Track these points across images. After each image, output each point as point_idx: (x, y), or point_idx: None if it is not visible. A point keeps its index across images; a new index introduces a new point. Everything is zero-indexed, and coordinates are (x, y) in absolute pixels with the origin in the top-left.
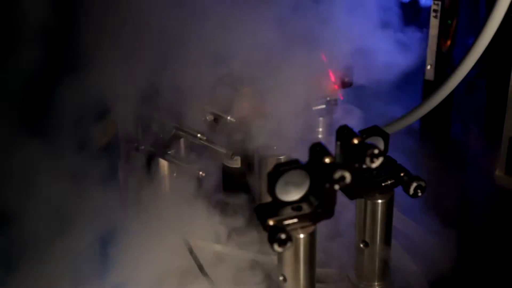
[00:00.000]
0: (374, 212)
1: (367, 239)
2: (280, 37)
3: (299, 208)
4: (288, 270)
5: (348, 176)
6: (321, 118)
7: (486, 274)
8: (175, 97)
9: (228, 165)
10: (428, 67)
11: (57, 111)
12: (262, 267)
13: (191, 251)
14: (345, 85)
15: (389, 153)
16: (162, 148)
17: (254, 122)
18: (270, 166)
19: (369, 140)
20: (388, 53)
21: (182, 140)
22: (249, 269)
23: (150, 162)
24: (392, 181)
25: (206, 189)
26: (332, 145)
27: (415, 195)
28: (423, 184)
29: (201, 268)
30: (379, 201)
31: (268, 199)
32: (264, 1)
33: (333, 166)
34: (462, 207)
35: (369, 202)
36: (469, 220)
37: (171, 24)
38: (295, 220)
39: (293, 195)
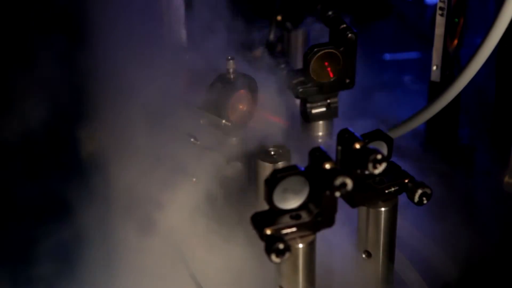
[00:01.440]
0: (377, 220)
1: (369, 249)
2: None
3: (298, 217)
4: (286, 282)
5: (349, 183)
6: (321, 122)
7: (494, 284)
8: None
9: (224, 171)
10: (434, 67)
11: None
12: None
13: (183, 259)
14: (346, 86)
15: (393, 159)
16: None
17: (250, 126)
18: (267, 172)
19: (372, 145)
20: None
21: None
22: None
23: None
24: (396, 188)
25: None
26: (332, 150)
27: (420, 202)
28: (428, 191)
29: (193, 277)
30: (382, 209)
31: (265, 206)
32: None
33: (334, 172)
34: (469, 215)
35: (371, 210)
36: (477, 229)
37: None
38: (293, 229)
39: (292, 203)
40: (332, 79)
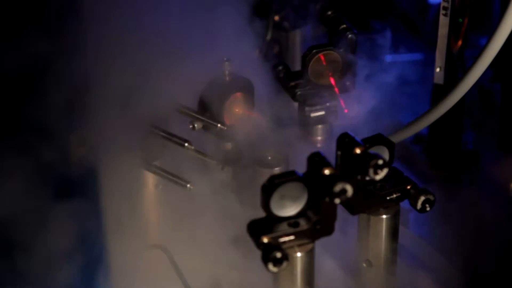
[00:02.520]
0: (378, 228)
1: (370, 258)
2: None
3: (296, 224)
4: None
5: (349, 189)
6: (320, 126)
7: None
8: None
9: (218, 177)
10: (437, 69)
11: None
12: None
13: (176, 269)
14: (346, 89)
15: (394, 164)
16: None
17: (246, 130)
18: (264, 178)
19: (373, 150)
20: None
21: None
22: None
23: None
24: (398, 194)
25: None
26: (332, 155)
27: (423, 209)
28: (431, 197)
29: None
30: (384, 216)
31: (262, 214)
32: None
33: (333, 178)
34: (474, 222)
35: (372, 217)
36: (482, 237)
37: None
38: (291, 237)
39: (290, 210)
40: (331, 82)
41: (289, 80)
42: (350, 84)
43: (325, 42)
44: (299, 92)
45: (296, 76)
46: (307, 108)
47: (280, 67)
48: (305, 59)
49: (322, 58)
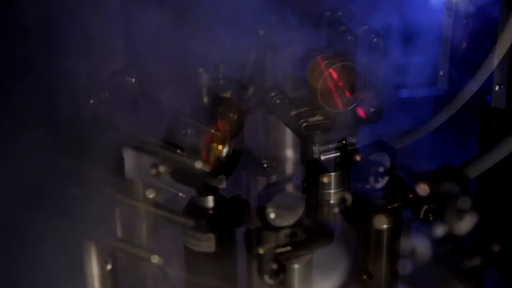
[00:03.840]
0: (378, 239)
1: (370, 270)
2: None
3: (293, 235)
4: None
5: (349, 198)
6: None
7: None
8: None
9: (212, 185)
10: (441, 73)
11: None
12: None
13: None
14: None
15: (396, 171)
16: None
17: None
18: (260, 186)
19: (373, 157)
20: None
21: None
22: None
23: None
24: (400, 203)
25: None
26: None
27: (426, 219)
28: (434, 206)
29: None
30: (385, 226)
31: (258, 224)
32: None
33: (332, 187)
34: (480, 230)
35: (373, 227)
36: (488, 245)
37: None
38: (288, 248)
39: (287, 220)
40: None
41: (289, 109)
42: (375, 110)
43: (326, 48)
44: (305, 124)
45: (298, 102)
46: (315, 148)
47: (273, 93)
48: (314, 75)
49: (334, 74)
